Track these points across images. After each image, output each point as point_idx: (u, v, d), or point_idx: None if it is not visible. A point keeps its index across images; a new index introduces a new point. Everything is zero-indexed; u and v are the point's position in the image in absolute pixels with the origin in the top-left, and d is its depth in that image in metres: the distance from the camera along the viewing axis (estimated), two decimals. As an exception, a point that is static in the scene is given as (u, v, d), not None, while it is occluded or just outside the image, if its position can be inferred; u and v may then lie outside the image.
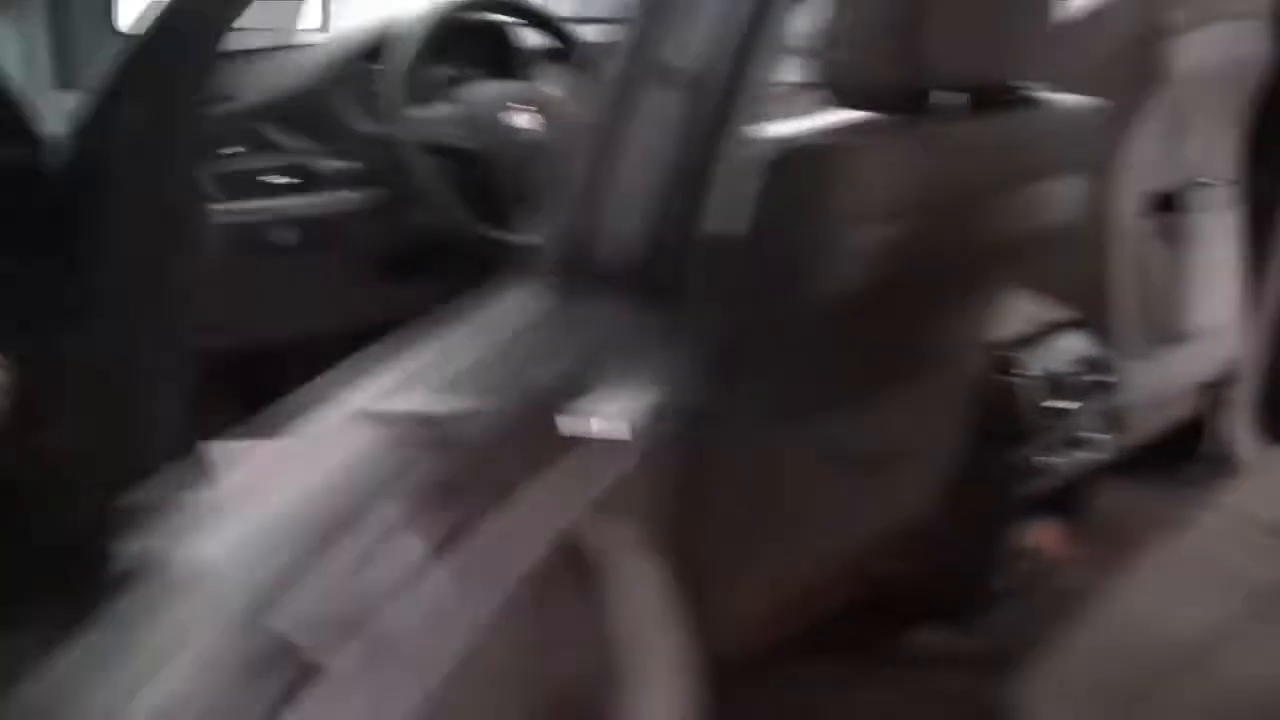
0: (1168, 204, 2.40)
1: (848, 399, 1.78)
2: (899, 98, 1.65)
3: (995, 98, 1.73)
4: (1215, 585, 1.64)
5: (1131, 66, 2.27)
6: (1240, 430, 2.83)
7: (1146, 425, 2.53)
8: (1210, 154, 2.51)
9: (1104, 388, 2.27)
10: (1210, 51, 2.36)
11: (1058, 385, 2.19)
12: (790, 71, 1.75)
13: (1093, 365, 2.26)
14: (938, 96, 1.68)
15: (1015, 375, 2.13)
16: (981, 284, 1.90)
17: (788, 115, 1.66)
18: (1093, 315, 2.33)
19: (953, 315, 1.87)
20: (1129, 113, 2.27)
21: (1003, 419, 2.14)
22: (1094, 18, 2.31)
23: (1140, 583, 1.71)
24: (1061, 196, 1.87)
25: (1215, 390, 2.69)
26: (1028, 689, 1.45)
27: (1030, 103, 1.79)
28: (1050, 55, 1.81)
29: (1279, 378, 2.85)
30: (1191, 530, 1.78)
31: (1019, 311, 2.20)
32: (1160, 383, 2.49)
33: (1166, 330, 2.46)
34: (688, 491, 1.47)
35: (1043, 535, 2.34)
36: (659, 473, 1.38)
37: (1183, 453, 2.81)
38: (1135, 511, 2.53)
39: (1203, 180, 2.49)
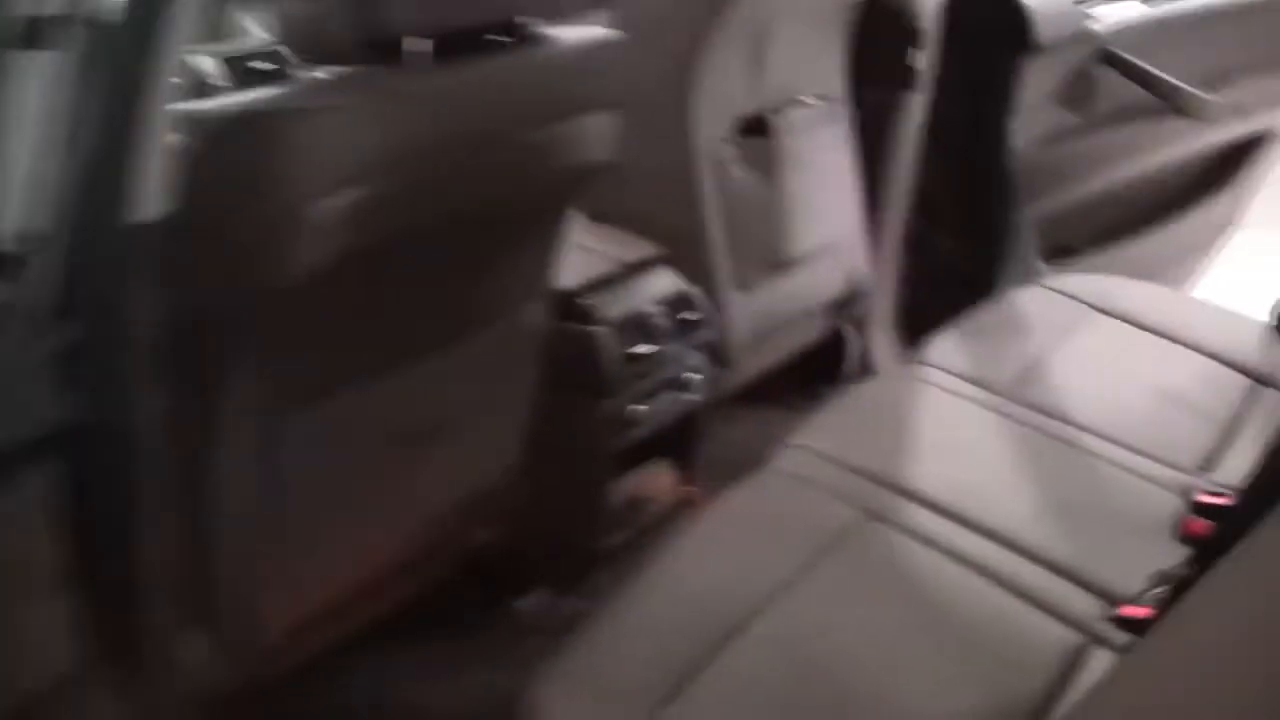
0: (759, 127, 2.29)
1: (375, 373, 1.64)
2: (365, 49, 1.49)
3: (485, 40, 1.58)
4: (774, 536, 1.55)
5: None
6: (879, 345, 2.78)
7: (762, 356, 2.46)
8: (808, 71, 2.41)
9: (695, 325, 2.17)
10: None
11: (641, 327, 2.08)
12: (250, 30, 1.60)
13: (681, 303, 2.16)
14: (412, 44, 1.52)
15: (589, 323, 2.02)
16: (517, 234, 1.77)
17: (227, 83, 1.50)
18: (683, 251, 2.23)
19: (487, 270, 1.74)
20: (698, 35, 2.15)
21: (581, 370, 2.03)
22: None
23: (699, 540, 1.60)
24: (594, 134, 1.74)
25: (844, 309, 2.62)
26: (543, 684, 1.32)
27: (534, 41, 1.65)
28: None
29: (911, 286, 2.81)
30: (760, 476, 1.69)
31: (591, 255, 2.09)
32: (773, 311, 2.40)
33: (773, 256, 2.37)
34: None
35: (653, 483, 2.25)
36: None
37: (825, 374, 2.76)
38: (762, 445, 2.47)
39: (801, 99, 2.39)
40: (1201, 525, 1.54)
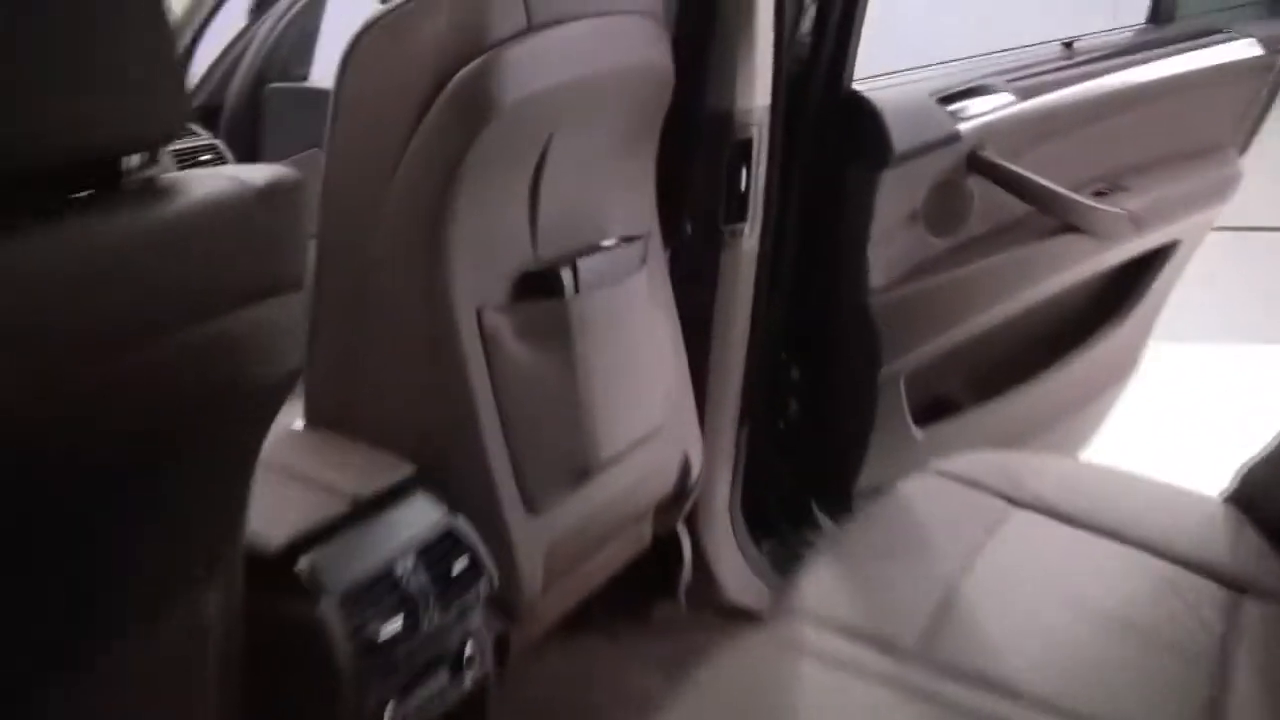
0: (544, 285, 1.64)
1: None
2: None
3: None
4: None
5: (408, 99, 1.51)
6: (719, 544, 2.15)
7: (566, 596, 1.80)
8: (607, 203, 1.78)
9: (467, 577, 1.50)
10: (571, 63, 1.63)
11: (388, 592, 1.40)
12: None
13: (444, 547, 1.49)
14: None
15: (306, 597, 1.33)
16: (173, 479, 1.08)
17: None
18: (444, 467, 1.56)
19: (128, 539, 1.05)
20: (447, 163, 1.50)
21: (299, 668, 1.35)
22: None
23: None
24: (278, 324, 1.07)
25: (675, 505, 1.97)
26: None
27: (155, 193, 0.98)
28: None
29: (757, 465, 2.19)
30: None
31: (307, 489, 1.41)
32: (580, 532, 1.74)
33: (575, 462, 1.72)
34: None
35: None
36: None
37: (654, 586, 2.11)
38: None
39: (600, 242, 1.76)
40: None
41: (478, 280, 1.57)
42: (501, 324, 1.60)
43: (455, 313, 1.55)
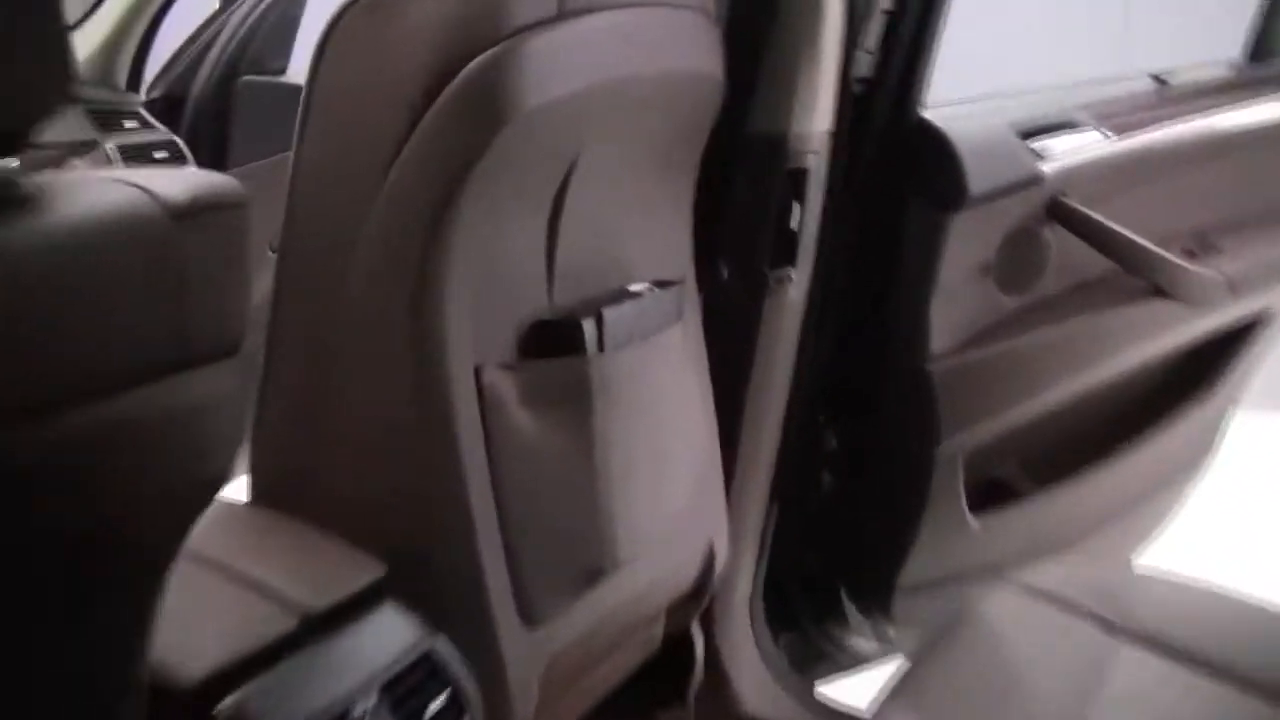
0: (548, 340, 1.30)
1: None
2: None
3: None
4: None
5: (401, 96, 1.17)
6: (737, 646, 1.81)
7: (563, 711, 1.45)
8: (637, 240, 1.45)
9: (453, 715, 1.15)
10: (607, 61, 1.29)
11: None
12: None
13: (418, 676, 1.14)
14: None
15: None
16: (62, 595, 0.75)
17: None
18: (422, 569, 1.22)
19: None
20: (447, 184, 1.16)
21: None
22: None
23: None
24: (208, 398, 0.73)
25: (693, 601, 1.64)
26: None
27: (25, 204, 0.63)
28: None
29: (785, 552, 1.86)
30: None
31: (243, 598, 1.07)
32: (584, 647, 1.40)
33: (585, 560, 1.38)
34: None
35: None
36: None
37: (662, 693, 1.77)
38: None
39: (628, 286, 1.42)
40: None
41: (478, 329, 1.24)
42: (505, 385, 1.26)
43: (448, 368, 1.22)
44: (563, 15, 1.22)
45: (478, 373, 1.24)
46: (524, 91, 1.19)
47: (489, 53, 1.17)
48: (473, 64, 1.17)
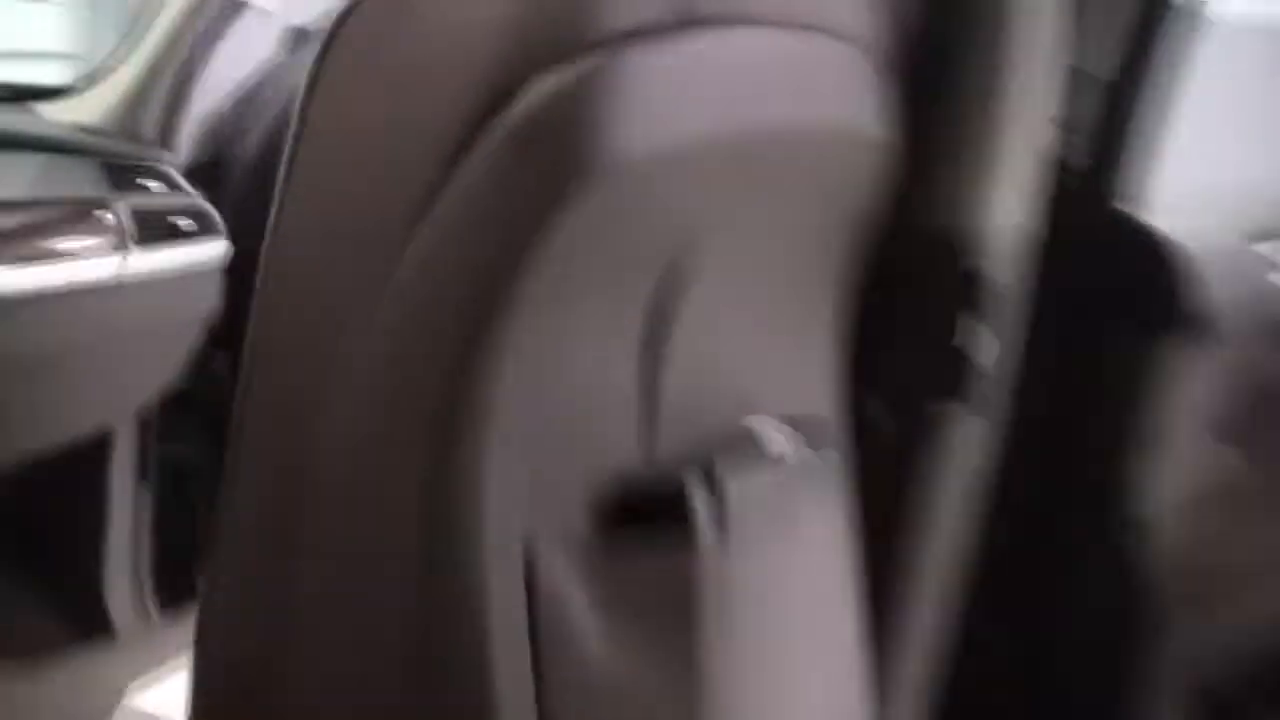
0: (658, 513, 0.87)
1: None
2: None
3: None
4: None
5: (433, 129, 0.76)
6: None
7: None
8: (767, 367, 1.01)
9: None
10: (741, 98, 0.87)
11: None
12: None
13: None
14: None
15: None
16: None
17: None
18: None
19: None
20: (499, 250, 0.73)
21: None
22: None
23: None
24: None
25: None
26: None
27: None
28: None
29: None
30: None
31: None
32: None
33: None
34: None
35: None
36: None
37: None
38: None
39: (752, 427, 0.99)
40: None
41: (531, 487, 0.80)
42: (567, 574, 0.82)
43: (483, 540, 0.79)
44: (681, 23, 0.81)
45: (527, 550, 0.81)
46: (618, 131, 0.77)
47: (565, 67, 0.76)
48: (540, 83, 0.76)
